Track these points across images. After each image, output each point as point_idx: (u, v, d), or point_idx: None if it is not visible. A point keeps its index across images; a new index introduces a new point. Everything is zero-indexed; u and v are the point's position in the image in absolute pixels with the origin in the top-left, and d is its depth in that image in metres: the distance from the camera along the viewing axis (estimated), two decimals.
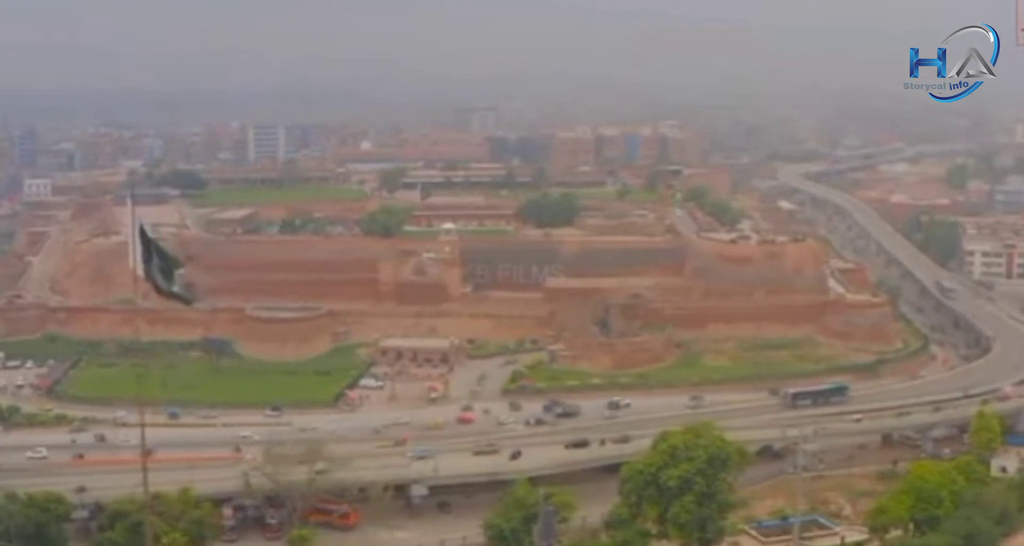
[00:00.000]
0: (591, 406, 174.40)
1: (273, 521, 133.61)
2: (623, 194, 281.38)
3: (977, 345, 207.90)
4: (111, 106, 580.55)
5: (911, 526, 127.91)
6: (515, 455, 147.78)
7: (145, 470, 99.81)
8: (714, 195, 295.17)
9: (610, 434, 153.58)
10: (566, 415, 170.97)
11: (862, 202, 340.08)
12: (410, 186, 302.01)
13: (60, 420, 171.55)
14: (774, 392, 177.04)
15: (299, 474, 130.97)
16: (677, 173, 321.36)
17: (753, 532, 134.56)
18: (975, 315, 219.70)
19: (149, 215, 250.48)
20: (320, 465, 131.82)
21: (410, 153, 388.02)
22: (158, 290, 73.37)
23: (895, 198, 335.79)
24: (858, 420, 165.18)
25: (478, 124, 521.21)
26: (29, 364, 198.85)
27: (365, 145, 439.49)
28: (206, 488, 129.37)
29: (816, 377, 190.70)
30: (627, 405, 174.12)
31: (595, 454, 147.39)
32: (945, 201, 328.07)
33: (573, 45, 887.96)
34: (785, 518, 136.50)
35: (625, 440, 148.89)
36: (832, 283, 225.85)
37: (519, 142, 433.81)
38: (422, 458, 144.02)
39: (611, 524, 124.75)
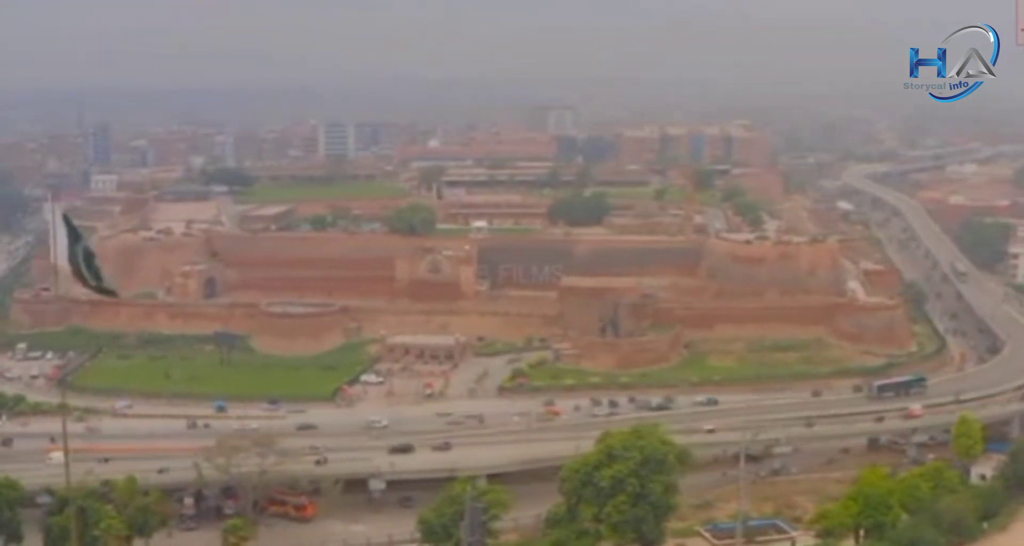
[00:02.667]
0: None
1: (230, 511, 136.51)
2: (661, 194, 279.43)
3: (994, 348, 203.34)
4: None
5: (862, 533, 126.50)
6: None
7: (67, 458, 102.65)
8: (755, 195, 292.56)
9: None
10: (661, 408, 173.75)
11: (918, 203, 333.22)
12: (455, 184, 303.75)
13: (62, 409, 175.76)
14: (858, 388, 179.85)
15: (250, 466, 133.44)
16: (724, 173, 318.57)
17: (707, 534, 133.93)
18: (993, 318, 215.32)
19: (188, 211, 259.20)
20: (271, 458, 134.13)
21: (476, 151, 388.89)
22: (82, 281, 74.66)
23: (953, 199, 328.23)
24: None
25: (555, 123, 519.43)
26: (49, 355, 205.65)
27: (432, 143, 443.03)
28: (158, 477, 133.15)
29: (821, 380, 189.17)
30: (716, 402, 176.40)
31: (555, 452, 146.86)
32: (1005, 203, 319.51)
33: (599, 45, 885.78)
34: (743, 521, 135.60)
35: (446, 447, 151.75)
36: (854, 285, 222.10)
37: (588, 141, 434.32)
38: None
39: (549, 523, 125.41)
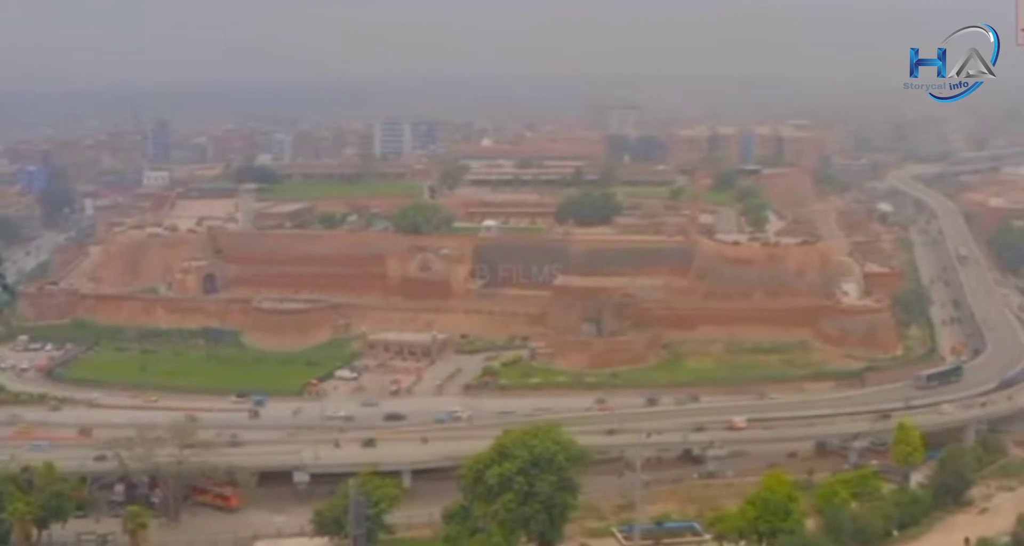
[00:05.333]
0: None
1: (156, 500, 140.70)
2: (677, 193, 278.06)
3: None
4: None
5: (763, 538, 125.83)
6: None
7: None
8: (783, 196, 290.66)
9: None
10: None
11: (955, 205, 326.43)
12: (480, 183, 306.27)
13: (42, 399, 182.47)
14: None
15: (168, 456, 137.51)
16: (754, 173, 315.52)
17: (619, 535, 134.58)
18: (985, 321, 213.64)
19: (207, 208, 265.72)
20: (187, 450, 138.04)
21: (526, 150, 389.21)
22: None
23: (993, 201, 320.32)
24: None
25: (618, 122, 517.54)
26: (48, 347, 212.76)
27: (485, 142, 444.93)
28: (80, 465, 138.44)
29: (796, 382, 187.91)
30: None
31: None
32: None
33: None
34: (659, 523, 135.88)
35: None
36: (851, 287, 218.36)
37: (639, 140, 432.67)
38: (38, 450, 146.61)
39: (445, 519, 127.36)
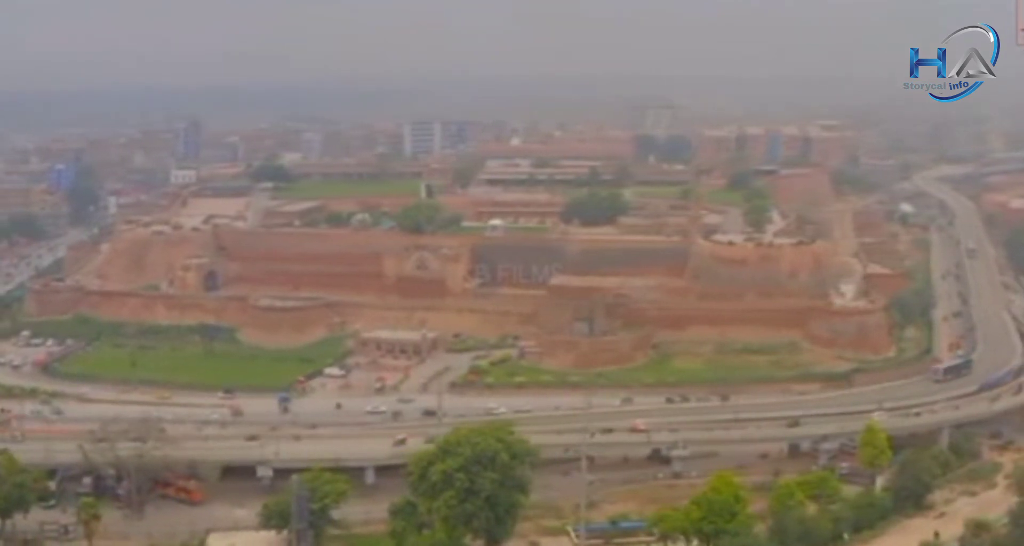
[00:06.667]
0: None
1: (122, 492, 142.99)
2: (687, 193, 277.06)
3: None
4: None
5: (709, 539, 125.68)
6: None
7: None
8: (800, 197, 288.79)
9: None
10: None
11: (975, 206, 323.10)
12: (494, 182, 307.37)
13: (32, 393, 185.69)
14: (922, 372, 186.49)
15: (130, 450, 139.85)
16: (771, 173, 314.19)
17: (572, 534, 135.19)
18: (981, 322, 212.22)
19: (219, 206, 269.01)
20: (150, 443, 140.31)
21: (553, 150, 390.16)
22: None
23: (1015, 203, 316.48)
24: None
25: (652, 122, 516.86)
26: (50, 342, 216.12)
27: (514, 141, 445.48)
28: (44, 457, 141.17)
29: (783, 384, 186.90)
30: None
31: None
32: None
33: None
34: (615, 522, 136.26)
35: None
36: (848, 288, 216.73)
37: (667, 140, 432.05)
38: None
39: (392, 513, 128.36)
